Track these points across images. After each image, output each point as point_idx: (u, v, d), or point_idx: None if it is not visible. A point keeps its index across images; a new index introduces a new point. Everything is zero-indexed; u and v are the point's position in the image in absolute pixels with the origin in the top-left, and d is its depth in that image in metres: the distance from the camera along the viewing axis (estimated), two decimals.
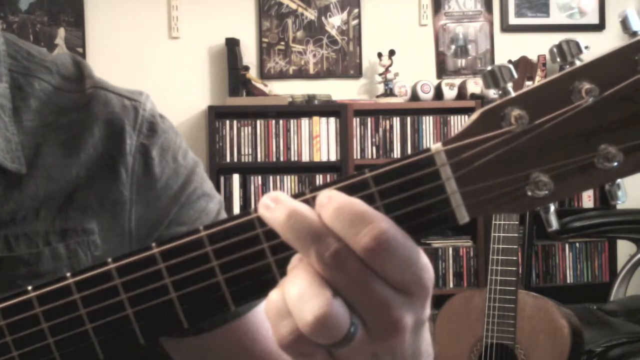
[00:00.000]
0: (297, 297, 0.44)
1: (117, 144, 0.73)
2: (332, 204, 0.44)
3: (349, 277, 0.44)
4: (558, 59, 0.44)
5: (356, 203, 0.44)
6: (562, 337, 2.00)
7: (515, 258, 2.07)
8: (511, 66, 0.44)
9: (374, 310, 0.44)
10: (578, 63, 0.43)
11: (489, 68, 0.45)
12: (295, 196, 0.47)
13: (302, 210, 0.45)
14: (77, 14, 3.62)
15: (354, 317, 0.44)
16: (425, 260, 0.45)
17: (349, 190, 0.46)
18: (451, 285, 3.51)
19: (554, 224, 0.45)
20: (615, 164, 0.43)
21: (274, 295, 0.45)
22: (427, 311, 0.47)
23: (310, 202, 0.46)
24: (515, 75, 0.44)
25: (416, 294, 0.45)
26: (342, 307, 0.44)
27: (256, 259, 0.47)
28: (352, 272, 0.44)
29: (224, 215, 0.80)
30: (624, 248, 3.51)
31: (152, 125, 0.75)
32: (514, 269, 2.06)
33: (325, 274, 0.44)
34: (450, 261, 3.52)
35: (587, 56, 0.44)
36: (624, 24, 0.42)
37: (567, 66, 0.43)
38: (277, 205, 0.45)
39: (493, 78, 0.45)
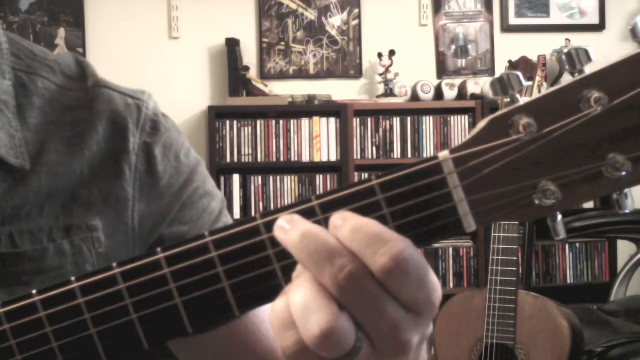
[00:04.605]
0: (302, 308, 0.43)
1: (121, 141, 0.73)
2: (348, 224, 0.44)
3: (361, 299, 0.43)
4: (567, 66, 0.43)
5: (372, 223, 0.44)
6: (562, 337, 2.00)
7: (515, 258, 2.06)
8: (519, 73, 0.44)
9: (383, 331, 0.44)
10: (587, 71, 0.43)
11: (498, 75, 0.45)
12: (303, 210, 0.46)
13: (315, 230, 0.44)
14: (77, 14, 3.61)
15: (359, 332, 0.44)
16: (435, 279, 0.45)
17: (355, 197, 0.46)
18: (451, 285, 3.51)
19: (562, 232, 0.45)
20: (624, 173, 0.43)
21: (278, 304, 0.45)
22: (431, 326, 0.47)
23: (322, 222, 0.46)
24: (524, 83, 0.43)
25: (424, 312, 0.45)
26: (348, 320, 0.43)
27: (261, 265, 0.47)
28: (365, 293, 0.43)
29: (226, 213, 0.80)
30: (624, 248, 3.51)
31: (155, 124, 0.76)
32: (514, 269, 2.06)
33: (337, 295, 0.43)
34: (450, 261, 3.52)
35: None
36: (634, 31, 0.42)
37: (576, 73, 0.43)
38: (291, 227, 0.45)
39: (501, 85, 0.45)
